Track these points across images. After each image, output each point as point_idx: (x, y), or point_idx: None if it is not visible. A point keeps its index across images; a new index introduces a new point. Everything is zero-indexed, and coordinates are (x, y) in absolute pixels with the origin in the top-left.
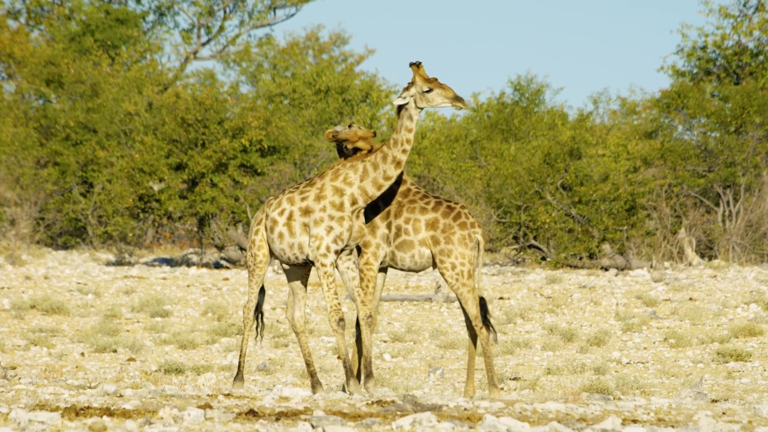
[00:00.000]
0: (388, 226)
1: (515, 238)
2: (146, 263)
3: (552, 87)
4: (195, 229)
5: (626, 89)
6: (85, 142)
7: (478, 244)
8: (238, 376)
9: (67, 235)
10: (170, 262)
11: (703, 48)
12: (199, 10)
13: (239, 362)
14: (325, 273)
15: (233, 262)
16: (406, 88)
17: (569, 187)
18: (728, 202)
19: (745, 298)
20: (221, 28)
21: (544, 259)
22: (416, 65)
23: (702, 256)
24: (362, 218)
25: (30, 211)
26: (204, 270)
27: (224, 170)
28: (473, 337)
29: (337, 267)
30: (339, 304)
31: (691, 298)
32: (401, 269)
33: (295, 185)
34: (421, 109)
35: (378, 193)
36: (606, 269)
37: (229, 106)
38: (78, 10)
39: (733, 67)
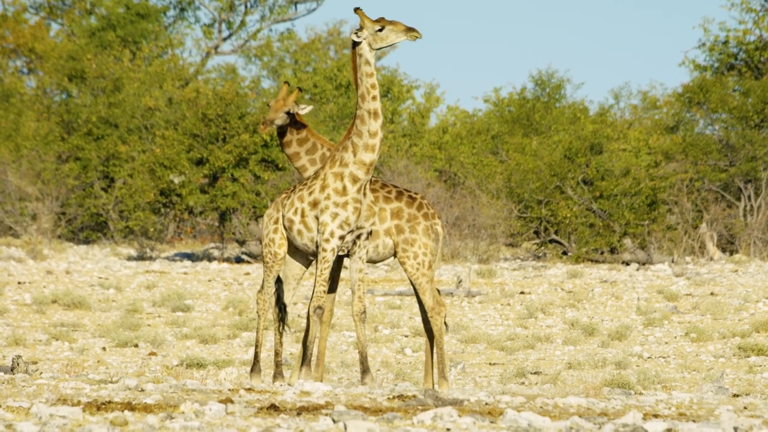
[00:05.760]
0: None
1: (536, 232)
2: (167, 258)
3: (573, 82)
4: (216, 223)
5: (647, 84)
6: (106, 137)
7: (438, 236)
8: (255, 368)
9: (89, 229)
10: (191, 257)
11: (725, 43)
12: (220, 5)
13: (255, 353)
14: (324, 258)
15: (254, 257)
16: (356, 33)
17: (590, 181)
18: (749, 197)
19: (766, 293)
20: (242, 23)
21: (565, 253)
22: (360, 10)
23: (723, 250)
24: (370, 196)
25: (51, 205)
26: (225, 265)
27: (245, 165)
28: (429, 331)
29: (354, 254)
30: (324, 292)
31: (712, 293)
32: None
33: (303, 182)
34: (376, 50)
35: (374, 157)
36: (627, 264)
37: (250, 100)
38: (99, 4)
39: (754, 62)
